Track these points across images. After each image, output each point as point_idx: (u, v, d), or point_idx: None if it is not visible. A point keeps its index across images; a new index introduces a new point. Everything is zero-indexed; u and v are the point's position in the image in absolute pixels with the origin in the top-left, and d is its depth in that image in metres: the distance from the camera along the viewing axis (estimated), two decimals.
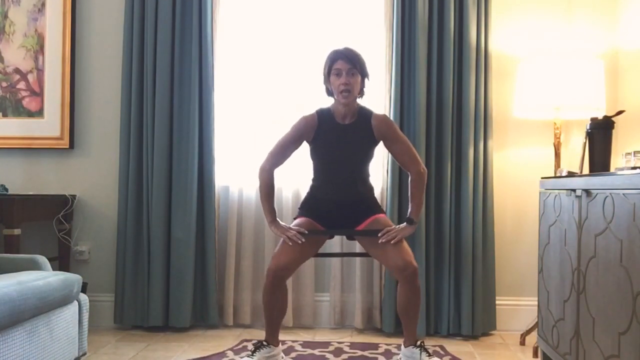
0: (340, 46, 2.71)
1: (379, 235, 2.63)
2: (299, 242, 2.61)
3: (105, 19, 3.59)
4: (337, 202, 2.75)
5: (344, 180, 2.74)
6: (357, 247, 3.32)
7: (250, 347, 2.74)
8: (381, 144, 2.79)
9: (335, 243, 3.38)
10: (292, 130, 2.75)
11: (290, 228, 2.68)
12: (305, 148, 2.84)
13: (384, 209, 3.16)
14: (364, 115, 2.74)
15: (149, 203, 3.41)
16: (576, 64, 3.06)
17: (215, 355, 2.92)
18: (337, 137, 2.71)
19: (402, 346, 2.71)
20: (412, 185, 2.75)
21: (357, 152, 2.74)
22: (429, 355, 2.62)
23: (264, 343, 2.69)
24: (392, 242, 2.60)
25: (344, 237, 3.23)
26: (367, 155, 2.78)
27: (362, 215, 2.77)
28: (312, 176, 2.84)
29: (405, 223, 2.70)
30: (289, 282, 3.42)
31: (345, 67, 2.63)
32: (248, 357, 2.64)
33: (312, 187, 2.83)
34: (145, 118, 3.42)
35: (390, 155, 3.23)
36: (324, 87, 2.76)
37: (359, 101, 2.77)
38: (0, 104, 3.61)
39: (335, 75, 2.65)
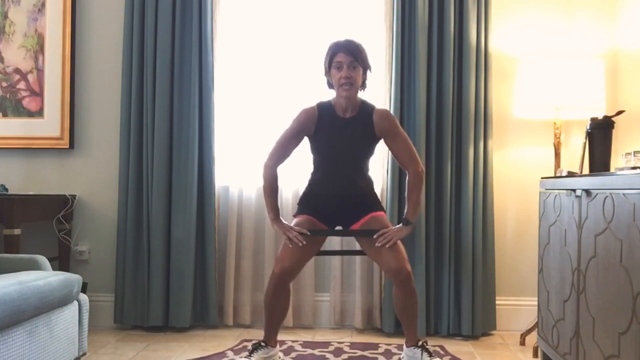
0: (341, 38, 2.65)
1: (375, 237, 2.59)
2: (300, 244, 2.57)
3: (105, 19, 3.59)
4: (336, 197, 2.70)
5: (343, 175, 2.69)
6: (357, 244, 3.32)
7: (249, 347, 2.73)
8: (382, 141, 2.75)
9: (335, 240, 3.38)
10: (292, 123, 2.71)
11: (292, 228, 2.62)
12: (305, 147, 2.83)
13: (384, 209, 3.13)
14: (366, 109, 2.69)
15: (149, 203, 3.41)
16: (576, 64, 3.06)
17: (215, 355, 2.92)
18: (337, 131, 2.66)
19: (404, 346, 2.69)
20: (410, 185, 2.70)
21: (357, 147, 2.69)
22: (430, 355, 2.60)
23: (262, 344, 2.67)
24: (386, 245, 2.55)
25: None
26: (368, 151, 2.73)
27: (360, 211, 2.72)
28: (311, 170, 2.79)
29: (400, 224, 2.65)
30: None
31: (347, 60, 2.58)
32: (246, 357, 2.62)
33: (310, 181, 2.78)
34: (145, 118, 3.42)
35: (390, 155, 3.23)
36: (324, 80, 2.72)
37: (362, 95, 2.72)
38: (0, 104, 3.61)
39: (336, 69, 2.60)
